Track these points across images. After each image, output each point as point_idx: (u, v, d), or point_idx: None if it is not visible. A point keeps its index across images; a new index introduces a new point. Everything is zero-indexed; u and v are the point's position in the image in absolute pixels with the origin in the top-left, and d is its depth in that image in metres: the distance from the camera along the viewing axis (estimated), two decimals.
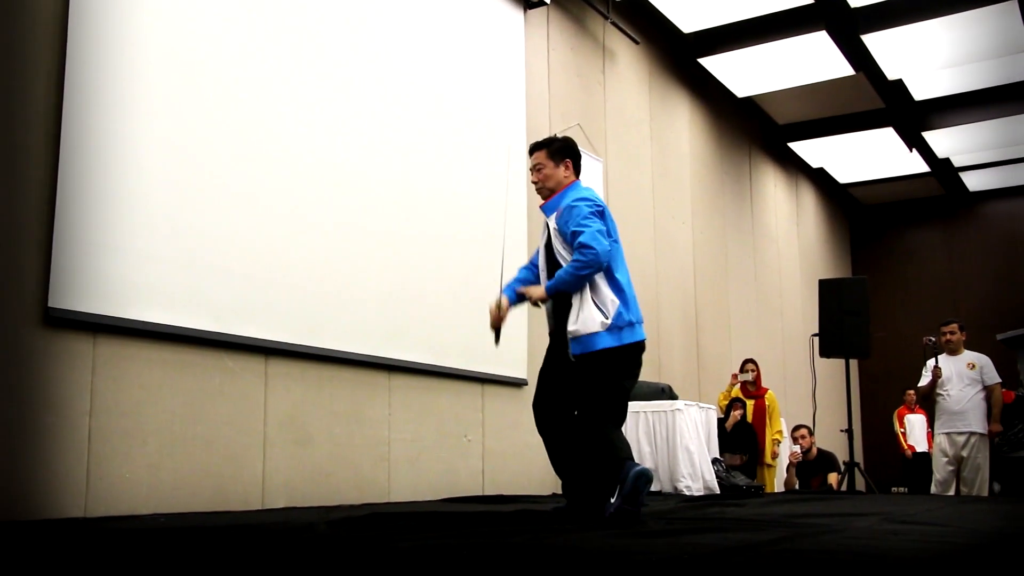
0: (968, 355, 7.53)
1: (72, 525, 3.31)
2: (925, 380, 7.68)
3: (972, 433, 7.35)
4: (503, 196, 6.48)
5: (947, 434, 7.50)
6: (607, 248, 3.58)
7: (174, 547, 2.43)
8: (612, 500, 3.44)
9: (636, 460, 3.60)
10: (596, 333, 3.57)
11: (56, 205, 3.73)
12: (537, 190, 3.90)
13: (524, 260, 6.57)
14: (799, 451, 8.17)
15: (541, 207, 3.91)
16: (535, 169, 3.89)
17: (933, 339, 7.60)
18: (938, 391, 7.48)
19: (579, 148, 4.00)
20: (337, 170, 5.14)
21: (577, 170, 3.92)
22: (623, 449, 3.48)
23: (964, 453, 7.38)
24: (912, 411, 10.99)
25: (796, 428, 8.21)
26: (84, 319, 3.78)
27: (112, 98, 3.99)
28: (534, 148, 3.93)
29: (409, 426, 5.51)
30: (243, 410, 4.49)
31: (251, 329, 4.53)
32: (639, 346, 3.69)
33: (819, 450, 8.17)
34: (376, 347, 5.27)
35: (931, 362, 7.50)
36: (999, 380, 7.38)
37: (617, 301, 3.63)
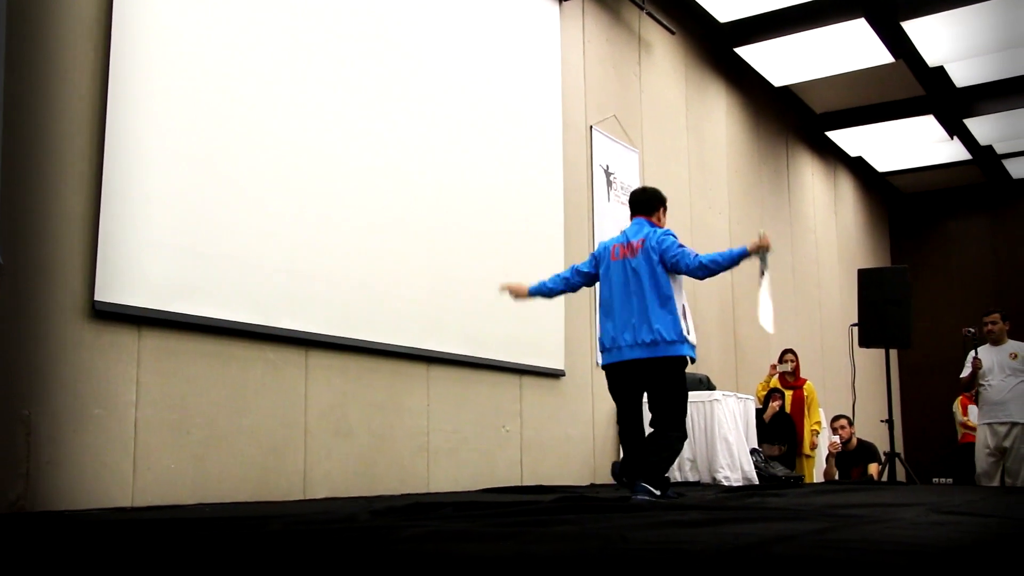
0: (1011, 345, 7.41)
1: (119, 514, 3.36)
2: (967, 371, 7.58)
3: (1014, 423, 7.24)
4: (534, 189, 6.47)
5: (989, 424, 7.39)
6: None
7: (215, 536, 2.46)
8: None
9: (652, 455, 4.36)
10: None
11: (101, 200, 3.78)
12: None
13: (560, 252, 6.59)
14: (838, 441, 8.07)
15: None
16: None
17: (972, 330, 7.49)
18: (980, 382, 7.37)
19: (632, 193, 4.81)
20: (375, 164, 5.15)
21: (631, 215, 4.77)
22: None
23: (1007, 444, 7.27)
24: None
25: (836, 418, 8.12)
26: (130, 312, 3.84)
27: (156, 95, 4.03)
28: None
29: (448, 417, 5.52)
30: (285, 402, 4.52)
31: (292, 322, 4.56)
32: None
33: (859, 440, 8.07)
34: (415, 339, 5.29)
35: (972, 353, 7.40)
36: None
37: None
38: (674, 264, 4.42)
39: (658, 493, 4.28)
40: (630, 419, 4.58)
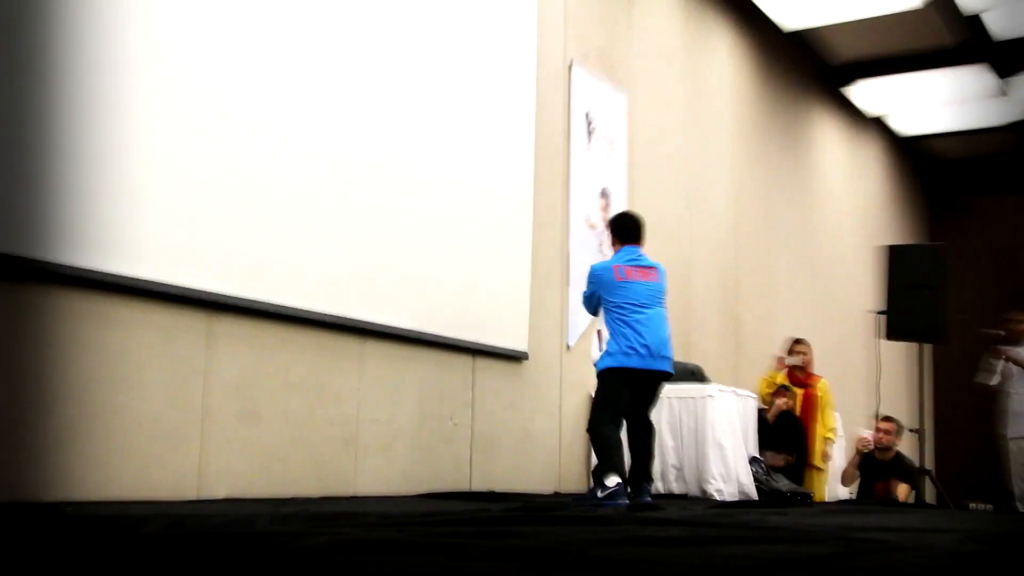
0: None
1: None
2: (996, 379, 7.63)
3: None
4: (499, 134, 6.38)
5: (1017, 440, 7.44)
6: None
7: (69, 541, 2.33)
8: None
9: (654, 455, 5.85)
10: None
11: None
12: None
13: (528, 209, 6.51)
14: (870, 439, 7.97)
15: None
16: None
17: (1002, 332, 7.55)
18: (1005, 389, 7.43)
19: (622, 217, 5.95)
20: (300, 99, 5.03)
21: (619, 239, 5.83)
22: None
23: None
24: None
25: (885, 419, 8.03)
26: None
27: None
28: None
29: (383, 404, 5.45)
30: (177, 377, 4.41)
31: (192, 279, 4.44)
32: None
33: (897, 452, 8.01)
34: (345, 306, 5.20)
35: (1001, 362, 7.44)
36: None
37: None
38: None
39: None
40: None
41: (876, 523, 4.01)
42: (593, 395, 5.80)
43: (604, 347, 5.70)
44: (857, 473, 8.06)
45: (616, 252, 5.77)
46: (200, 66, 4.56)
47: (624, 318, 5.55)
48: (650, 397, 5.68)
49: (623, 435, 5.63)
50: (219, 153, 4.61)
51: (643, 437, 5.67)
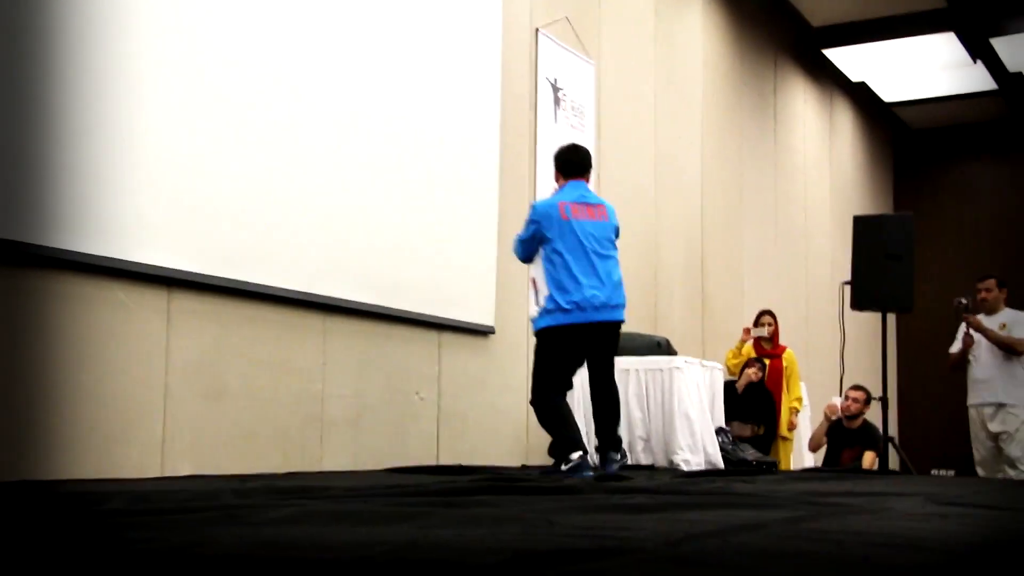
0: (1005, 314, 7.58)
1: None
2: (956, 347, 7.73)
3: (999, 405, 7.41)
4: (464, 104, 6.35)
5: (976, 407, 7.55)
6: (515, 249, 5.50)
7: (27, 516, 2.33)
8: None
9: (622, 425, 5.57)
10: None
11: None
12: None
13: (494, 180, 6.50)
14: (838, 406, 8.06)
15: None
16: None
17: (964, 300, 7.62)
18: (969, 356, 7.53)
19: (568, 150, 5.49)
20: (256, 66, 4.98)
21: (563, 174, 5.44)
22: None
23: (996, 428, 7.43)
24: None
25: (854, 387, 8.12)
26: None
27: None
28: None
29: (348, 379, 5.45)
30: (139, 355, 4.39)
31: (151, 254, 4.41)
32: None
33: (865, 421, 8.11)
34: (308, 282, 5.19)
35: (963, 327, 7.54)
36: None
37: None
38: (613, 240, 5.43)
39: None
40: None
41: (840, 488, 4.07)
42: (532, 360, 5.49)
43: (541, 302, 5.24)
44: (825, 440, 8.16)
45: (560, 188, 5.41)
46: (165, 33, 4.53)
47: (568, 267, 5.13)
48: (607, 352, 5.31)
49: (581, 399, 5.53)
50: (174, 124, 4.57)
51: (605, 400, 5.33)
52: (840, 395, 8.14)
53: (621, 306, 5.24)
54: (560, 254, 5.14)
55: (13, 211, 3.90)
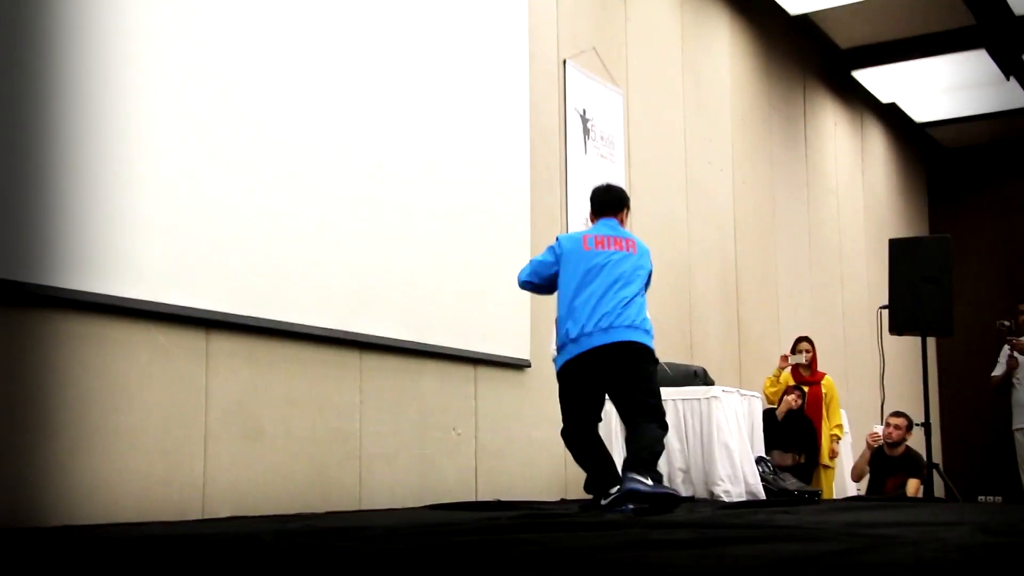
0: None
1: None
2: (999, 370, 7.66)
3: None
4: (493, 137, 6.39)
5: (1022, 431, 7.48)
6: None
7: (69, 559, 2.36)
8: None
9: (651, 444, 4.96)
10: None
11: None
12: None
13: (525, 214, 6.52)
14: (881, 434, 7.99)
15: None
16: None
17: (1008, 323, 7.56)
18: (1013, 379, 7.48)
19: (599, 190, 5.37)
20: (289, 104, 5.04)
21: (595, 213, 5.34)
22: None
23: None
24: None
25: (895, 414, 8.07)
26: None
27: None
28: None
29: (385, 416, 5.47)
30: (178, 397, 4.43)
31: (189, 297, 4.46)
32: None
33: (907, 448, 8.05)
34: (344, 319, 5.22)
35: (1006, 349, 7.48)
36: None
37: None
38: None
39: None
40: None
41: (886, 519, 4.04)
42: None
43: (558, 343, 5.10)
44: (867, 469, 8.10)
45: (592, 226, 5.34)
46: (192, 75, 4.59)
47: (582, 296, 4.94)
48: (628, 376, 4.94)
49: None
50: (211, 166, 4.63)
51: (634, 427, 4.94)
52: (881, 422, 8.07)
53: (636, 328, 4.92)
54: (576, 285, 4.99)
55: (50, 258, 3.96)
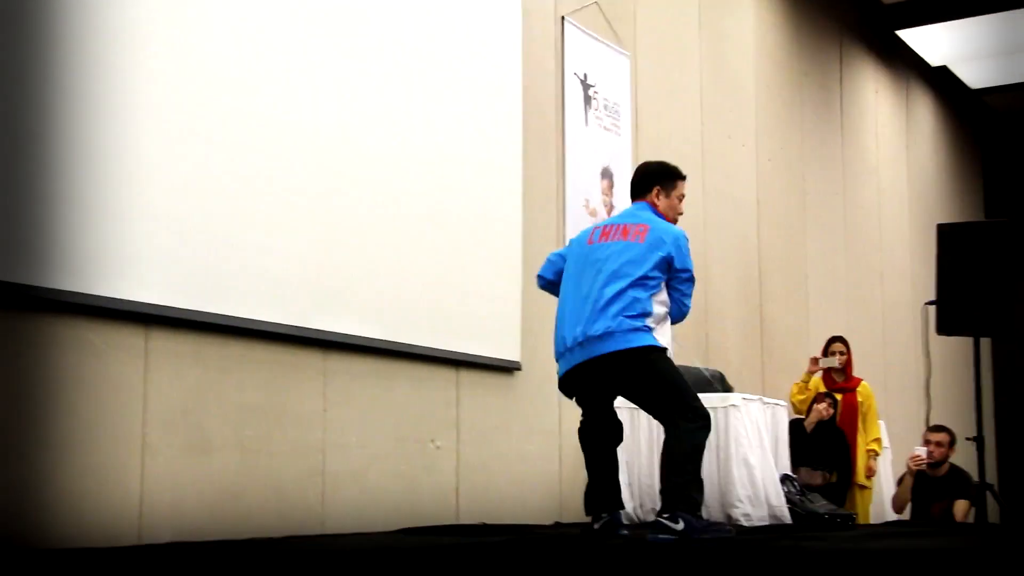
0: None
1: None
2: None
3: None
4: (480, 107, 6.39)
5: None
6: None
7: None
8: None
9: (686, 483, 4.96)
10: None
11: None
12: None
13: (517, 194, 6.52)
14: (923, 456, 8.00)
15: None
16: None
17: None
18: None
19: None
20: (256, 76, 5.06)
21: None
22: None
23: None
24: None
25: (935, 429, 8.07)
26: None
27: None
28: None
29: (353, 427, 5.48)
30: (112, 404, 4.42)
31: (126, 288, 4.45)
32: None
33: (951, 466, 8.06)
34: (305, 315, 5.22)
35: None
36: None
37: None
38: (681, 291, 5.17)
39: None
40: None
41: (930, 545, 4.05)
42: None
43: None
44: (910, 496, 8.08)
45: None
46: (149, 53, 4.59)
47: (567, 302, 5.11)
48: (626, 388, 5.09)
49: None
50: (152, 138, 4.63)
51: (665, 437, 5.07)
52: (939, 443, 8.02)
53: (611, 334, 4.88)
54: (569, 286, 5.13)
55: None
